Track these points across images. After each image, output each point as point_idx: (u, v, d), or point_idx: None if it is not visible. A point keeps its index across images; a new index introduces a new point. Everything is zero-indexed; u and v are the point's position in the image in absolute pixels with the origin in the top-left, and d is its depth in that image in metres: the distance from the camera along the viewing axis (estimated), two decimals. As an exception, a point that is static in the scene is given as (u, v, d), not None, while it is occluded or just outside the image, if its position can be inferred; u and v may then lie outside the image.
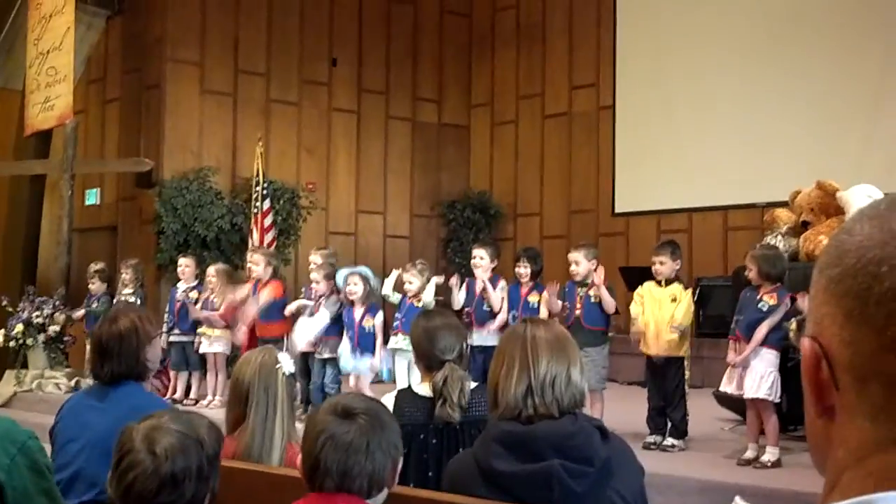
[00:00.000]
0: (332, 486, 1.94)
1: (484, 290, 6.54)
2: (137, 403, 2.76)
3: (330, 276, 7.01)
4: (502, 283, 6.66)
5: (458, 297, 6.72)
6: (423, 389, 3.03)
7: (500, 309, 6.47)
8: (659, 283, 5.87)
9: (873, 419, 0.71)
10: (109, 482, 1.93)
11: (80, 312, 8.81)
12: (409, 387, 3.11)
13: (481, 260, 6.61)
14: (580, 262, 6.06)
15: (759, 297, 5.35)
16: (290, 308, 7.27)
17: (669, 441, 5.68)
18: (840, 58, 9.92)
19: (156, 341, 3.06)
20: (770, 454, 5.18)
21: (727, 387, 5.48)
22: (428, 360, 3.03)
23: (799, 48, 10.25)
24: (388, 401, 3.00)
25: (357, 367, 6.59)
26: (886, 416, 0.70)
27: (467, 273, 7.10)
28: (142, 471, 1.89)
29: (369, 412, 2.01)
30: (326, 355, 6.92)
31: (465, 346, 3.18)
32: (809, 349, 0.75)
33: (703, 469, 5.12)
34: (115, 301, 8.45)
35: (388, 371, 6.71)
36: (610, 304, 5.97)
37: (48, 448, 2.24)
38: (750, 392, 5.25)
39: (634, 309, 5.91)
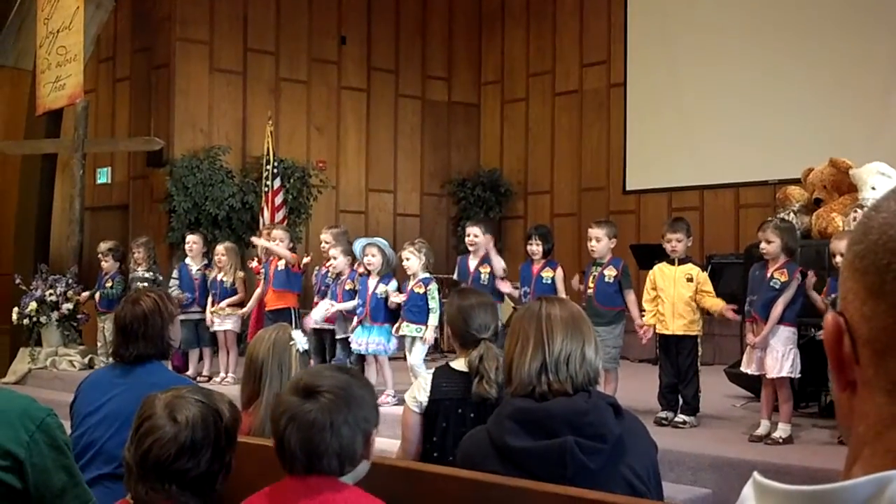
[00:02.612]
0: (301, 466, 1.89)
1: (481, 263, 6.57)
2: (159, 381, 2.79)
3: (347, 252, 7.05)
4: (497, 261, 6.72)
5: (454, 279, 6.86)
6: (460, 365, 3.07)
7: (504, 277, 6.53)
8: (672, 262, 5.85)
9: (889, 394, 0.71)
10: (128, 447, 1.95)
11: (86, 294, 8.86)
12: (447, 364, 3.16)
13: (476, 238, 6.59)
14: (601, 239, 6.04)
15: (769, 274, 5.33)
16: (320, 315, 7.24)
17: (681, 417, 5.69)
18: (853, 35, 9.83)
19: (177, 320, 3.12)
20: (782, 431, 5.19)
21: (747, 368, 5.47)
22: (463, 339, 3.08)
23: (812, 25, 10.17)
24: (426, 378, 3.11)
25: (374, 349, 6.61)
26: None
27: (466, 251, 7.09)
28: (161, 436, 1.92)
29: (334, 389, 1.92)
30: (342, 335, 6.95)
31: (499, 324, 3.23)
32: (832, 323, 0.76)
33: (715, 445, 5.13)
34: (129, 279, 8.49)
35: (395, 343, 6.73)
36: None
37: (67, 424, 2.27)
38: (773, 372, 5.24)
39: (647, 303, 5.88)
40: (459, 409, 3.00)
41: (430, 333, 6.38)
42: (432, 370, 3.17)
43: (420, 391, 3.09)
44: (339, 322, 7.00)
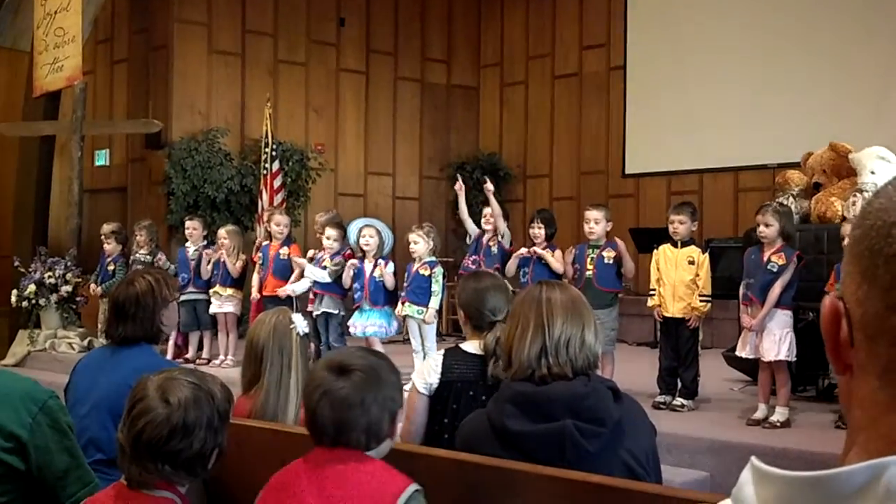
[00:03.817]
0: (329, 440, 1.97)
1: (492, 238, 6.66)
2: (141, 365, 2.79)
3: (343, 236, 7.06)
4: (507, 235, 6.87)
5: (471, 229, 6.97)
6: (472, 347, 3.05)
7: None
8: (675, 244, 5.86)
9: (881, 378, 0.72)
10: (121, 429, 1.97)
11: (97, 288, 8.70)
12: (458, 346, 3.15)
13: (492, 217, 6.78)
14: (599, 221, 6.05)
15: (765, 258, 5.35)
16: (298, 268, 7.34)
17: (679, 401, 5.71)
18: (853, 19, 9.80)
19: (172, 305, 3.08)
20: (779, 414, 5.21)
21: (742, 351, 5.48)
22: (477, 321, 3.06)
23: (812, 9, 10.13)
24: (436, 360, 3.08)
25: (367, 332, 6.62)
26: (892, 375, 0.71)
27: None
28: (153, 417, 1.93)
29: (365, 368, 2.01)
30: (322, 310, 6.94)
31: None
32: (830, 306, 0.76)
33: (713, 429, 5.16)
34: (130, 262, 8.50)
35: (398, 326, 6.76)
36: (631, 268, 6.05)
37: (67, 407, 2.28)
38: (769, 355, 5.25)
39: (655, 283, 5.91)
40: (471, 391, 2.98)
41: (430, 316, 6.40)
42: (441, 351, 3.14)
43: (430, 373, 3.05)
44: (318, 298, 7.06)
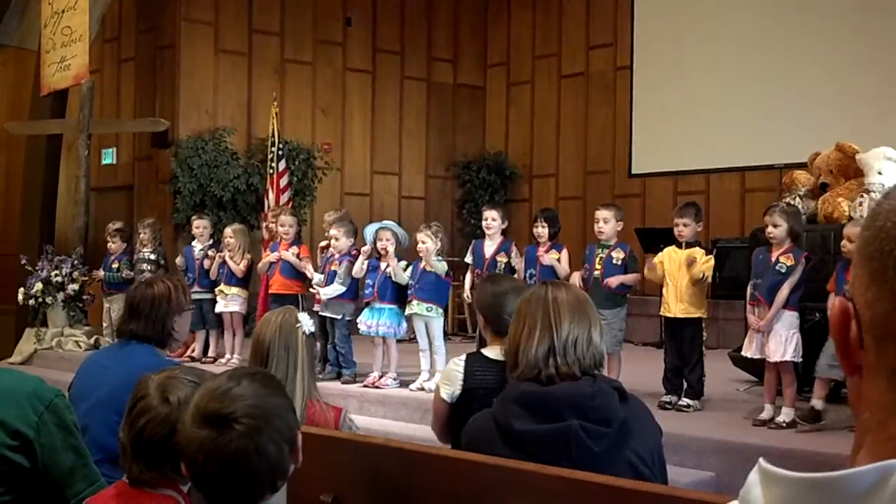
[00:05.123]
0: (228, 500, 1.73)
1: (498, 251, 6.59)
2: (143, 363, 2.79)
3: (350, 234, 7.06)
4: (515, 251, 6.69)
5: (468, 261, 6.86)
6: (494, 353, 2.99)
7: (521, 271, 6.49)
8: (679, 245, 5.85)
9: (889, 380, 0.72)
10: (122, 428, 1.98)
11: (101, 273, 8.85)
12: (480, 351, 3.09)
13: (493, 221, 6.63)
14: (609, 221, 6.04)
15: (774, 258, 5.34)
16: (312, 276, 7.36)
17: (685, 401, 5.70)
18: (860, 18, 9.77)
19: (186, 314, 3.10)
20: (785, 415, 5.21)
21: (748, 351, 5.48)
22: (497, 325, 3.00)
23: (820, 9, 10.11)
24: (458, 366, 2.99)
25: (384, 332, 6.62)
26: None
27: (480, 234, 7.13)
28: (154, 416, 1.94)
29: (248, 410, 1.68)
30: (328, 314, 6.95)
31: None
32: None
33: (719, 429, 5.15)
34: (134, 260, 8.53)
35: (405, 326, 6.77)
36: (634, 279, 6.03)
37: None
38: (775, 356, 5.24)
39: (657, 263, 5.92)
40: (493, 397, 2.93)
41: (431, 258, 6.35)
42: (464, 357, 3.05)
43: (453, 380, 2.98)
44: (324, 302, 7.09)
